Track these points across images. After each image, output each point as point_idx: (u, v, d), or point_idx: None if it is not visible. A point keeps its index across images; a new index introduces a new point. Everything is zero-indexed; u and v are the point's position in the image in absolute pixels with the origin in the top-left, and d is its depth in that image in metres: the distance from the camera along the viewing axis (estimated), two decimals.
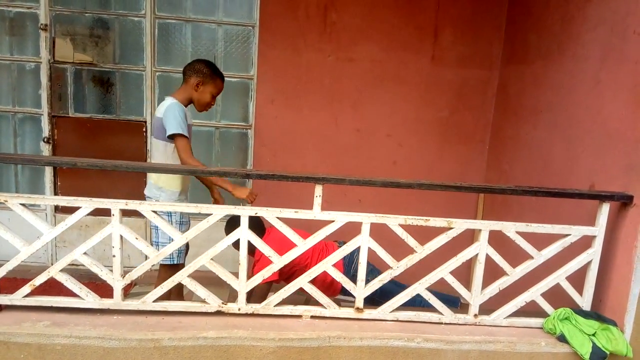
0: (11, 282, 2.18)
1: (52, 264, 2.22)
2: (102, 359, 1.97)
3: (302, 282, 2.20)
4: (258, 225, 2.52)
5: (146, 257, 2.14)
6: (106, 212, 2.06)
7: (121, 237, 2.07)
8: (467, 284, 2.28)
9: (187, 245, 2.63)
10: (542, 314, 2.30)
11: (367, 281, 2.21)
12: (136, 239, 2.08)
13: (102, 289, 2.23)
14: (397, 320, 2.25)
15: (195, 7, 3.70)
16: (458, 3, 3.72)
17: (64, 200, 2.05)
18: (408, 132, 3.88)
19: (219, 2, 3.70)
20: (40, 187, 3.83)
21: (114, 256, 2.07)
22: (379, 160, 3.89)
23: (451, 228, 2.19)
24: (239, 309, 2.19)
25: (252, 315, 2.21)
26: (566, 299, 2.28)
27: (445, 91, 3.84)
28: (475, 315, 2.27)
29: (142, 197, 2.61)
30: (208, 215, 2.10)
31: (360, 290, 2.21)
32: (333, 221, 2.14)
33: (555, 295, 2.27)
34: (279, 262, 2.17)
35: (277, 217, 2.12)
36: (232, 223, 2.42)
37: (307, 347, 2.06)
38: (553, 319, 2.24)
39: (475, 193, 3.90)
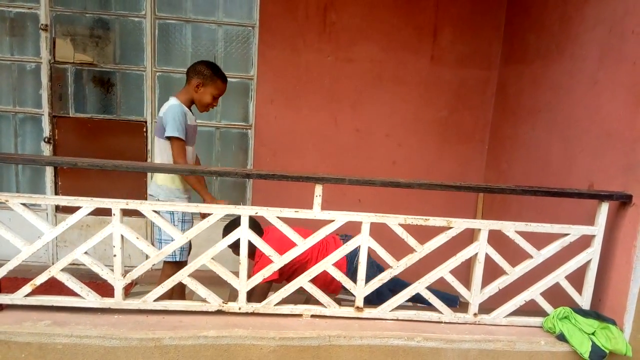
0: (12, 282, 2.19)
1: (53, 264, 2.22)
2: (103, 358, 1.97)
3: (303, 281, 2.21)
4: (255, 227, 2.53)
5: (147, 257, 2.15)
6: (107, 212, 2.06)
7: (122, 236, 2.07)
8: (467, 283, 2.28)
9: (190, 243, 2.64)
10: (542, 313, 2.31)
11: (369, 276, 2.22)
12: (137, 238, 2.09)
13: (103, 288, 2.24)
14: (397, 320, 2.26)
15: (195, 7, 3.71)
16: (457, 3, 3.73)
17: (65, 200, 2.06)
18: (407, 132, 3.89)
19: (219, 3, 3.71)
20: (41, 187, 3.84)
21: (114, 256, 2.07)
22: (379, 160, 3.90)
23: (451, 227, 2.19)
24: (240, 308, 2.19)
25: (253, 314, 2.21)
26: (566, 298, 2.28)
27: (444, 91, 3.85)
28: (475, 315, 2.28)
29: (142, 196, 2.61)
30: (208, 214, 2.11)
31: (360, 289, 2.22)
32: (333, 221, 2.15)
33: (555, 295, 2.28)
34: (279, 261, 2.18)
35: (278, 217, 2.12)
36: (229, 227, 2.44)
37: (307, 346, 2.06)
38: (552, 318, 2.24)
39: (474, 193, 3.91)
